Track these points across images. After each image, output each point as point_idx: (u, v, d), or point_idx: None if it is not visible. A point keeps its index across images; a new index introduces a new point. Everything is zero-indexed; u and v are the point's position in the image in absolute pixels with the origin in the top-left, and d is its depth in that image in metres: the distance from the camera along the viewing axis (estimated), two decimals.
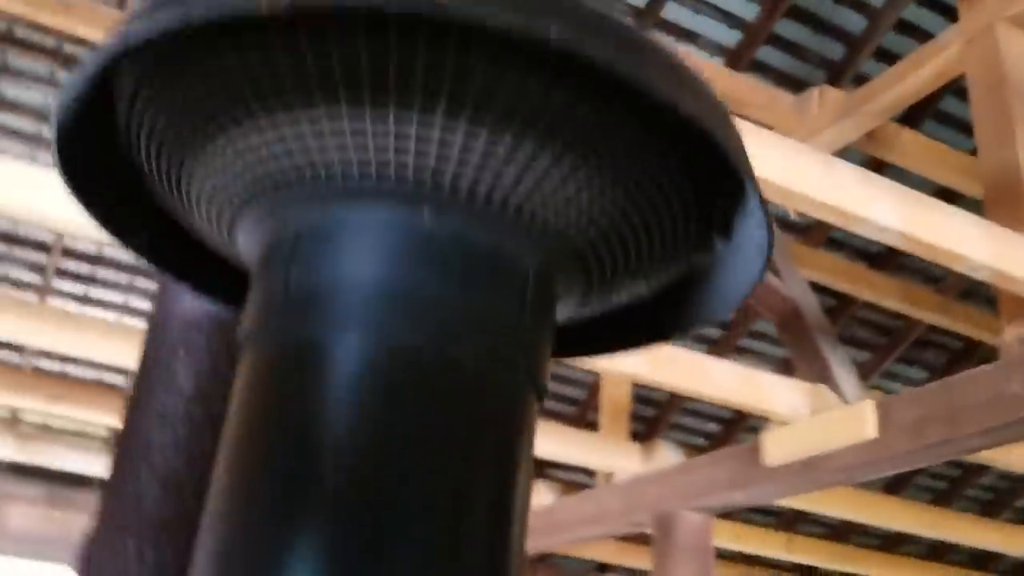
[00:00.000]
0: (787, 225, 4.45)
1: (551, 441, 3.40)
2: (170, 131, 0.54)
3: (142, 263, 0.66)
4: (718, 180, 0.57)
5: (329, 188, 0.52)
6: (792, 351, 3.21)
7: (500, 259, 0.53)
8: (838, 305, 4.98)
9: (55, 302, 4.60)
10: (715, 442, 5.54)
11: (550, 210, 0.53)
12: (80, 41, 3.71)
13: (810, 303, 3.25)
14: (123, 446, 0.81)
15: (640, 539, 4.14)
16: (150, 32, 0.44)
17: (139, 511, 0.76)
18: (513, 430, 0.54)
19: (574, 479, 5.15)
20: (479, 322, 0.51)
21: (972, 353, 5.36)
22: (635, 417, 4.70)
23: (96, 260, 4.44)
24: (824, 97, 3.40)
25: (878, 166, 4.23)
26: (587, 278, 0.59)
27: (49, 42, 3.82)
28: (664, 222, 0.58)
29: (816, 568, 5.67)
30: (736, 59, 3.99)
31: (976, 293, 4.72)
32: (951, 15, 3.00)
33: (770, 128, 3.58)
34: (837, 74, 4.09)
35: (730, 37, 3.98)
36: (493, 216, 0.52)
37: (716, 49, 4.01)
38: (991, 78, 2.76)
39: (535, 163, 0.50)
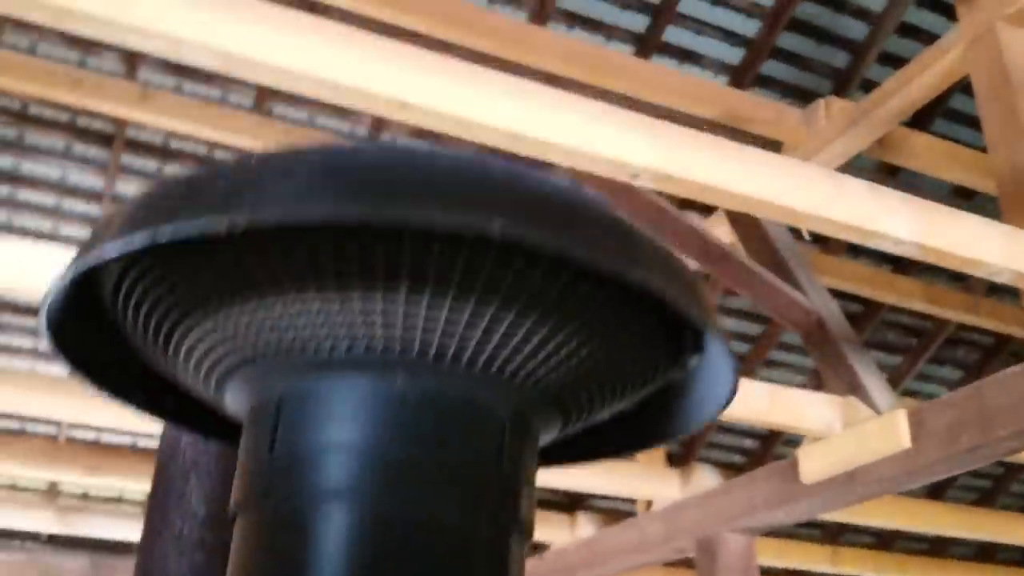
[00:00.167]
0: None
1: (589, 473, 3.39)
2: (155, 312, 0.56)
3: (142, 415, 0.69)
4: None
5: (307, 359, 0.54)
6: (820, 364, 3.19)
7: (476, 412, 0.54)
8: (864, 311, 4.95)
9: None
10: (753, 458, 5.49)
11: (522, 364, 0.54)
12: (92, 114, 3.78)
13: (834, 314, 3.24)
14: (143, 573, 0.82)
15: (685, 564, 4.11)
16: (121, 250, 0.46)
17: None
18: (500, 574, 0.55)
19: (614, 508, 5.12)
20: (459, 478, 0.53)
21: (1003, 348, 5.30)
22: None
23: None
24: (831, 108, 3.40)
25: (891, 171, 4.22)
26: (565, 415, 0.60)
27: (63, 117, 3.89)
28: (639, 357, 0.59)
29: None
30: (741, 75, 4.00)
31: (1003, 288, 4.67)
32: (952, 14, 3.00)
33: (779, 143, 3.59)
34: (843, 82, 4.09)
35: (733, 54, 3.99)
36: (465, 374, 0.53)
37: (720, 67, 4.03)
38: (996, 78, 2.76)
39: (501, 326, 0.52)
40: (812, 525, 5.73)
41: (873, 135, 3.29)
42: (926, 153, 3.53)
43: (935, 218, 2.15)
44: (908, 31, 4.01)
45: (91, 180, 4.08)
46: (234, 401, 0.61)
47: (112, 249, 0.46)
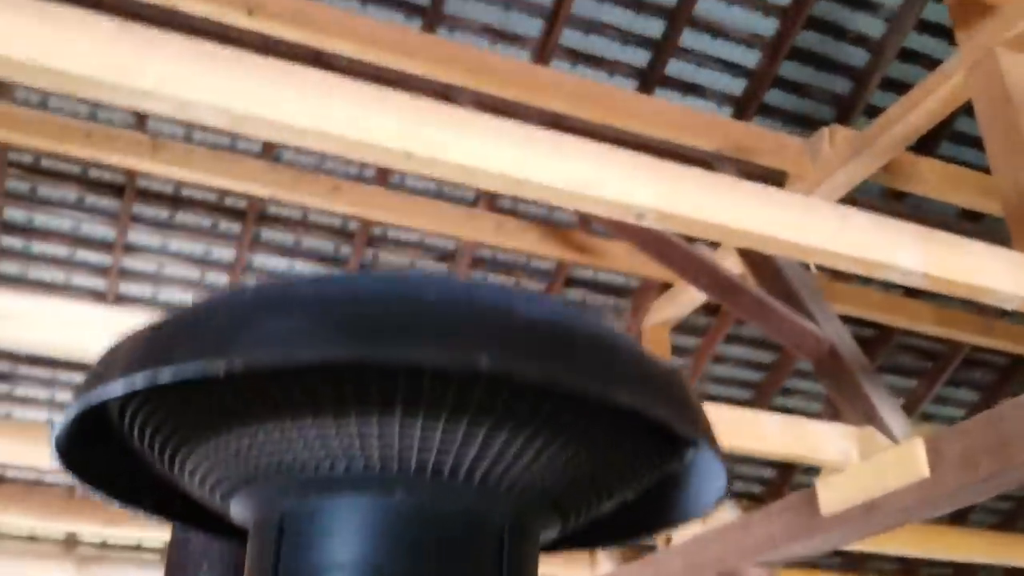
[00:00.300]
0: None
1: None
2: (158, 435, 0.57)
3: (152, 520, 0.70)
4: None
5: (307, 478, 0.55)
6: (834, 393, 3.18)
7: (475, 523, 0.55)
8: (878, 335, 4.93)
9: None
10: (773, 487, 5.46)
11: (519, 475, 0.55)
12: (103, 166, 3.83)
13: (846, 341, 3.23)
14: None
15: None
16: (124, 390, 0.48)
17: None
18: None
19: (633, 544, 5.08)
20: None
21: (1020, 368, 5.26)
22: None
23: None
24: (835, 137, 3.42)
25: (898, 196, 4.23)
26: (564, 516, 0.61)
27: (75, 169, 3.94)
28: (634, 458, 0.60)
29: None
30: (744, 105, 4.03)
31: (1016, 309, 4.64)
32: (952, 38, 3.02)
33: (784, 173, 3.61)
34: (846, 109, 4.10)
35: (735, 85, 4.02)
36: (462, 488, 0.54)
37: (723, 98, 4.05)
38: (997, 102, 2.77)
39: (495, 442, 0.53)
40: (834, 554, 5.68)
41: (878, 162, 3.30)
42: (932, 177, 3.54)
43: (942, 247, 2.16)
44: (909, 56, 4.03)
45: (103, 230, 4.12)
46: (239, 514, 0.62)
47: (115, 388, 0.47)
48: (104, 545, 4.80)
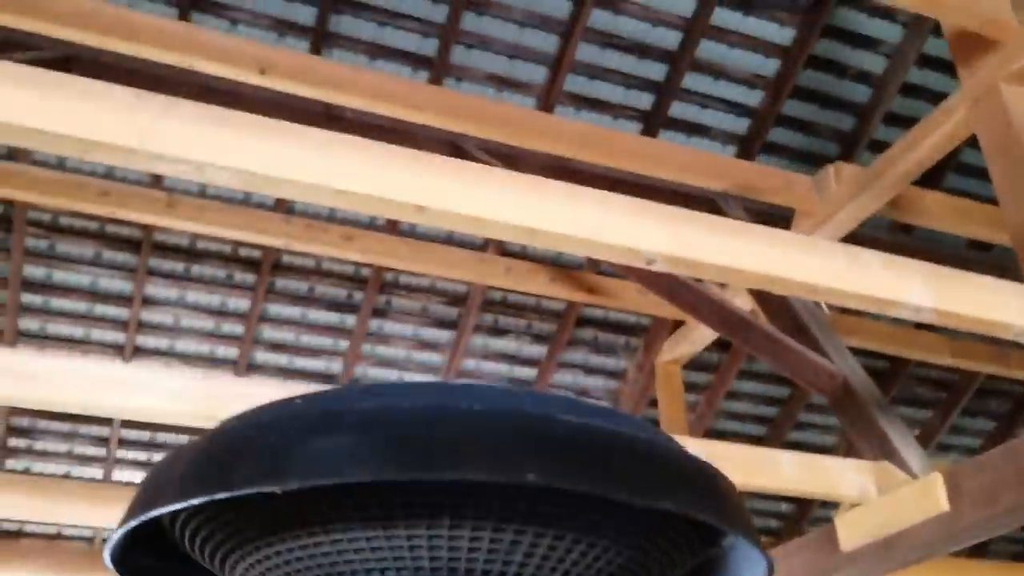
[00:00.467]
0: None
1: None
2: (209, 542, 0.59)
3: None
4: None
5: None
6: (849, 428, 3.18)
7: None
8: (890, 367, 4.92)
9: (119, 473, 4.70)
10: (789, 523, 5.43)
11: (567, 571, 0.57)
12: (120, 222, 3.89)
13: (859, 376, 3.23)
14: None
15: None
16: (180, 507, 0.49)
17: None
18: None
19: None
20: None
21: None
22: None
23: (156, 427, 4.55)
24: (841, 173, 3.45)
25: (905, 229, 4.25)
26: None
27: (92, 226, 4.00)
28: (676, 551, 0.62)
29: None
30: (748, 144, 4.07)
31: None
32: (954, 71, 3.05)
33: (791, 211, 3.63)
34: (850, 145, 4.14)
35: (739, 125, 4.06)
36: None
37: (727, 138, 4.09)
38: (1002, 136, 2.79)
39: (542, 545, 0.55)
40: None
41: (884, 197, 3.32)
42: (939, 210, 3.56)
43: (952, 283, 2.17)
44: (911, 91, 4.07)
45: (120, 285, 4.17)
46: None
47: (170, 506, 0.48)
48: None
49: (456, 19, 3.60)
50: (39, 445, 4.58)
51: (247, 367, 4.45)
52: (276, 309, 4.38)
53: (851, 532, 2.88)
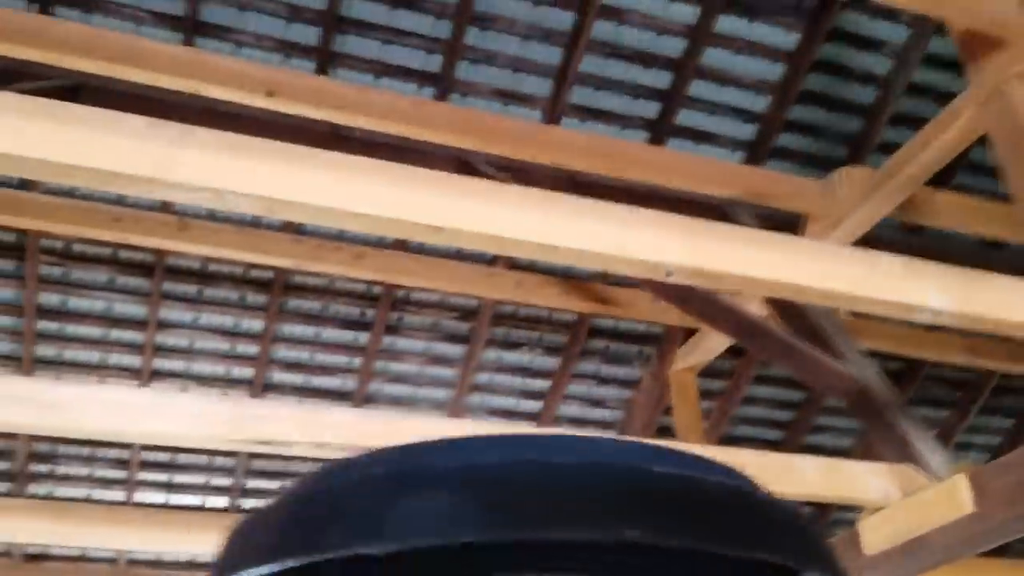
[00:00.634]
0: None
1: None
2: None
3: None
4: None
5: None
6: (869, 431, 3.17)
7: None
8: (906, 368, 4.91)
9: (141, 495, 4.71)
10: None
11: None
12: (132, 247, 3.90)
13: (876, 378, 3.23)
14: None
15: None
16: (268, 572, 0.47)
17: None
18: None
19: None
20: None
21: None
22: None
23: (176, 449, 4.56)
24: (850, 177, 3.44)
25: (917, 230, 4.24)
26: None
27: (105, 252, 4.02)
28: None
29: None
30: (756, 150, 4.06)
31: None
32: (960, 70, 3.04)
33: (801, 216, 3.63)
34: (859, 147, 4.13)
35: (746, 131, 4.06)
36: None
37: (735, 144, 4.09)
38: (1013, 134, 2.79)
39: None
40: None
41: (895, 200, 3.32)
42: (951, 210, 3.56)
43: (969, 285, 2.17)
44: (918, 91, 4.06)
45: (135, 309, 4.18)
46: None
47: (259, 569, 0.47)
48: None
49: (460, 35, 3.61)
50: (60, 470, 4.60)
51: (263, 387, 4.46)
52: (289, 329, 4.39)
53: (875, 536, 2.87)
